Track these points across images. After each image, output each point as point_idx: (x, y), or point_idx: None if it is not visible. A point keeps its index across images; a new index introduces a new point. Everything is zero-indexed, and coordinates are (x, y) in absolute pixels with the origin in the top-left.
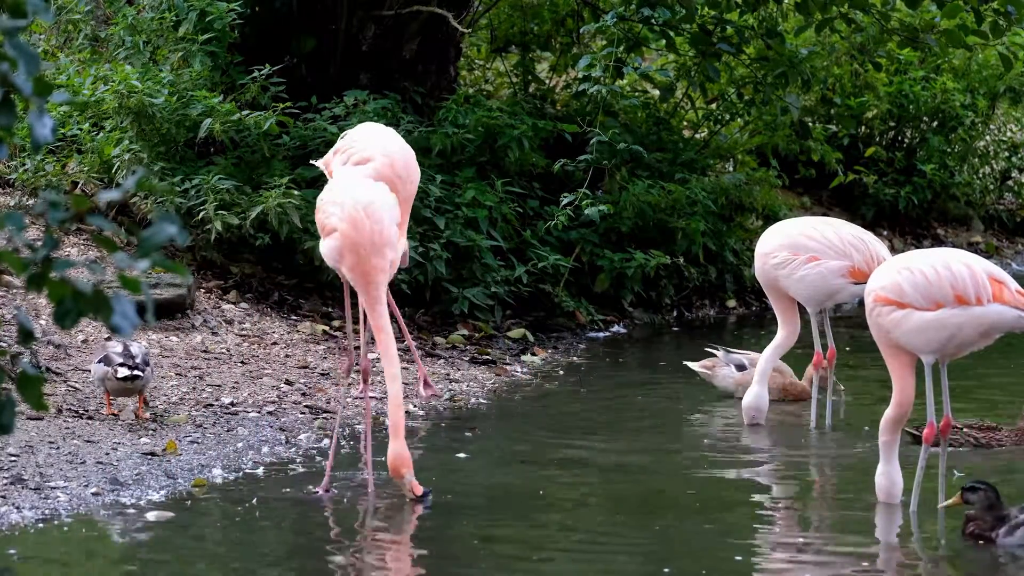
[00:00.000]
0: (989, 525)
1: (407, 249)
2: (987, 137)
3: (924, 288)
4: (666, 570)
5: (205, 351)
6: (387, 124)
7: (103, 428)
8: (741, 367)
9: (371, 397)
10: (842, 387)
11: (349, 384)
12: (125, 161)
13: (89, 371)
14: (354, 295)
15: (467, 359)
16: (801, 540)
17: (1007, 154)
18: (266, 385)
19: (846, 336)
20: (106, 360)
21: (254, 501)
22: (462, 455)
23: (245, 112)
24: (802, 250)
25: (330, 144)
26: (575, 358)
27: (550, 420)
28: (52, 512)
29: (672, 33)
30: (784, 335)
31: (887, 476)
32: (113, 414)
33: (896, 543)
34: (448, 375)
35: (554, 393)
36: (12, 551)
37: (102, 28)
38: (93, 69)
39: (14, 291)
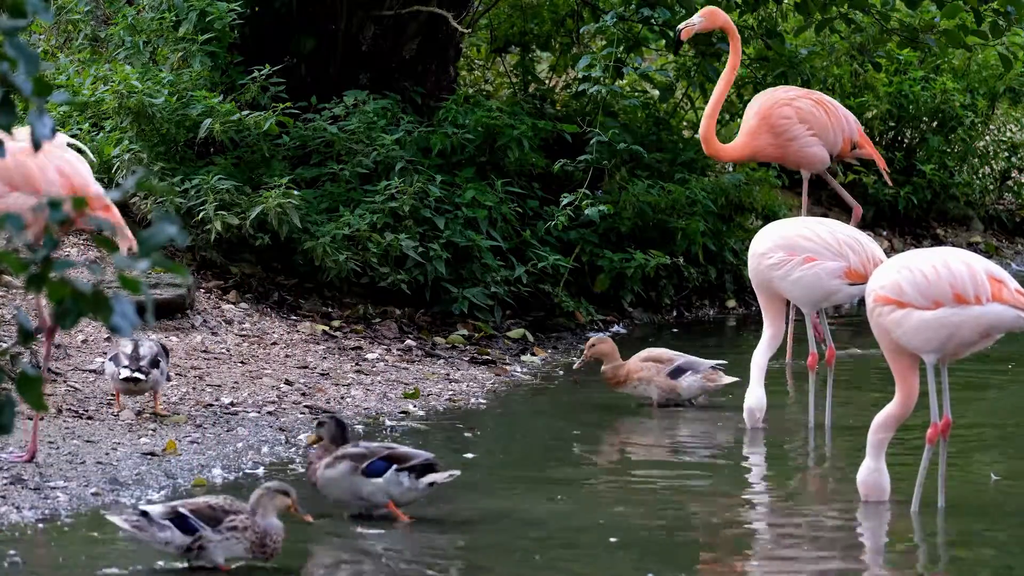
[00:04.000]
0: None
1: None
2: (987, 137)
3: (923, 287)
4: (652, 571)
5: (205, 351)
6: (387, 124)
7: (103, 428)
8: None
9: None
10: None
11: None
12: (125, 161)
13: (88, 371)
14: None
15: (467, 359)
16: (800, 541)
17: (1007, 154)
18: (266, 385)
19: (845, 336)
20: (115, 359)
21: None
22: (466, 455)
23: (245, 112)
24: (798, 250)
25: (330, 144)
26: (575, 358)
27: (550, 420)
28: (52, 512)
29: (672, 33)
30: (770, 335)
31: (880, 473)
32: (113, 414)
33: (897, 544)
34: (448, 375)
35: (554, 393)
36: (12, 551)
37: (102, 28)
38: (93, 69)
39: (14, 291)
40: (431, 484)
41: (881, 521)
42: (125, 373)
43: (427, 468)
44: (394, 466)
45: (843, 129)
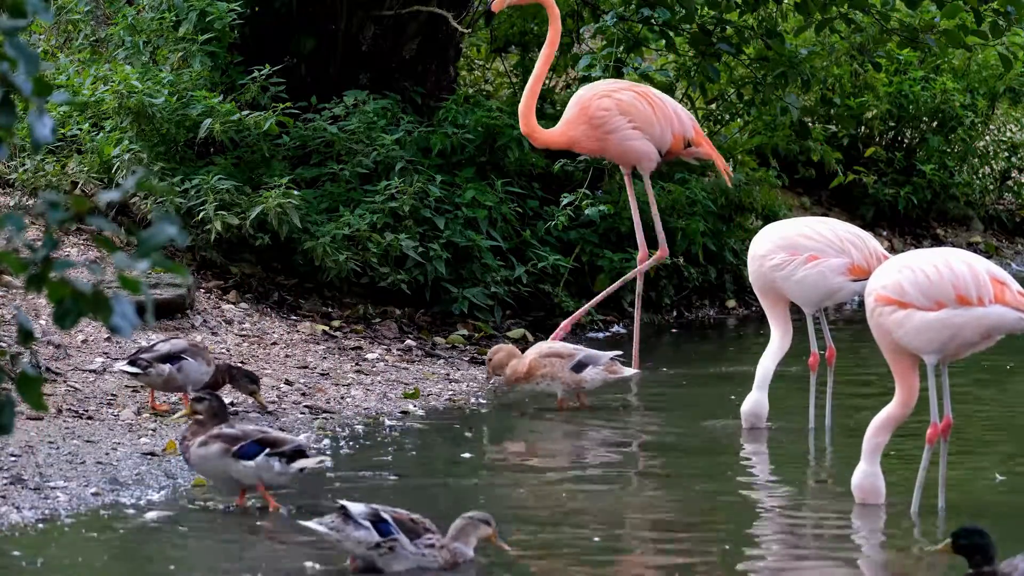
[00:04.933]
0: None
1: None
2: (987, 137)
3: (926, 287)
4: (650, 571)
5: None
6: (387, 124)
7: (103, 428)
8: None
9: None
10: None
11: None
12: (125, 161)
13: (88, 371)
14: None
15: (467, 359)
16: (799, 542)
17: (1007, 154)
18: (266, 385)
19: (847, 336)
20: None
21: (254, 501)
22: (466, 455)
23: (245, 112)
24: (800, 250)
25: (330, 144)
26: None
27: (549, 420)
28: (52, 512)
29: (672, 33)
30: (780, 338)
31: (875, 477)
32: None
33: (897, 545)
34: (448, 375)
35: (553, 392)
36: (12, 552)
37: (102, 28)
38: (93, 69)
39: (14, 291)
40: (301, 470)
41: (881, 522)
42: (119, 365)
43: (298, 454)
44: (266, 450)
45: (672, 124)
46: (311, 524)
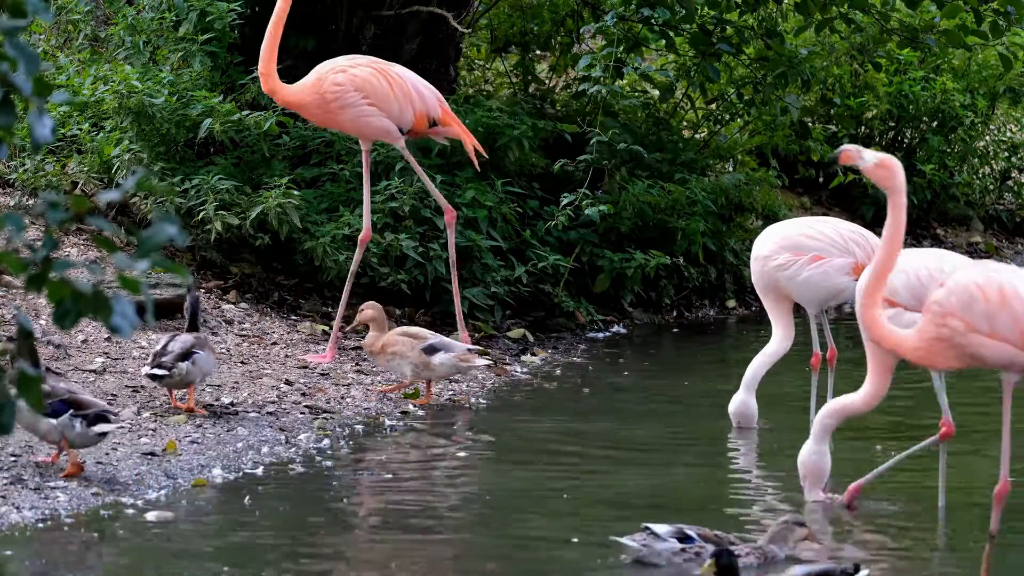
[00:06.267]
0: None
1: None
2: (987, 137)
3: (916, 289)
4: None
5: None
6: None
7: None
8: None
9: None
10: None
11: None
12: (125, 161)
13: (88, 371)
14: None
15: None
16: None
17: (1007, 154)
18: (266, 385)
19: (846, 336)
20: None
21: (254, 501)
22: (462, 454)
23: (245, 112)
24: (804, 250)
25: (330, 144)
26: (575, 358)
27: (549, 420)
28: (52, 512)
29: (672, 33)
30: (779, 339)
31: (820, 455)
32: (178, 407)
33: (898, 544)
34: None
35: (554, 393)
36: (13, 552)
37: (102, 28)
38: (93, 69)
39: (14, 291)
40: (101, 433)
41: (880, 520)
42: (145, 370)
43: (99, 418)
44: (71, 411)
45: (413, 102)
46: (623, 540)
